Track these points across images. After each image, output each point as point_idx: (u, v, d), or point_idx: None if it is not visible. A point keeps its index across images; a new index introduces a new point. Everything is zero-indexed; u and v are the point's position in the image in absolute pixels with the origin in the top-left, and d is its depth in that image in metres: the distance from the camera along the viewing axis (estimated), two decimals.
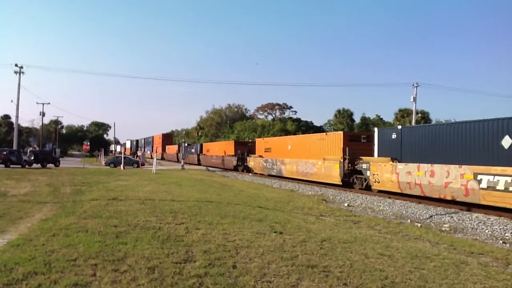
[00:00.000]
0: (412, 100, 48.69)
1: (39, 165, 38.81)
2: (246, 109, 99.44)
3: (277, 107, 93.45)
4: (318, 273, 5.82)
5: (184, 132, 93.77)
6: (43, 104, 65.75)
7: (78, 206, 12.13)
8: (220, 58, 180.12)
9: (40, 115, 66.43)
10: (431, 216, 14.69)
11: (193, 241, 7.47)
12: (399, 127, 20.58)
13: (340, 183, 23.30)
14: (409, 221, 13.72)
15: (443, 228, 12.51)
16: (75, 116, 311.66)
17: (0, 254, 6.37)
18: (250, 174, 37.97)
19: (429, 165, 16.89)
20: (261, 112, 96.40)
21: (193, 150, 62.16)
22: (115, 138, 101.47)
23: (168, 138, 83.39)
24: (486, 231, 12.17)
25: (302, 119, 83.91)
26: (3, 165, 35.26)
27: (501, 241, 10.81)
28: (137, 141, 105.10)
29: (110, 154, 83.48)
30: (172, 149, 72.94)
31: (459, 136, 15.89)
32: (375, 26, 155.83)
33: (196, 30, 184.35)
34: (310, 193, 22.46)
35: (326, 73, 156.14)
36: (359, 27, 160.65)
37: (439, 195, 16.39)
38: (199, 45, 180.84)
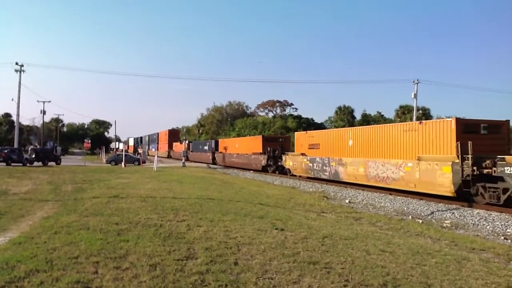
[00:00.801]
0: (412, 96, 48.67)
1: (40, 163, 38.84)
2: (247, 107, 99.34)
3: (277, 104, 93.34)
4: (319, 269, 5.82)
5: (184, 130, 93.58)
6: (43, 102, 65.64)
7: (79, 204, 12.14)
8: (220, 56, 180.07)
9: (41, 113, 66.38)
10: (432, 213, 14.68)
11: (194, 238, 7.48)
12: None
13: (453, 195, 16.01)
14: (410, 217, 13.73)
15: (445, 225, 12.52)
16: (76, 114, 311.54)
17: (2, 252, 6.38)
18: (287, 176, 30.90)
19: None
20: (261, 109, 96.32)
21: (205, 148, 55.49)
22: (116, 135, 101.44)
23: (174, 135, 76.72)
24: (488, 227, 12.17)
25: (303, 116, 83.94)
26: (4, 164, 35.24)
27: (502, 237, 10.81)
28: (141, 138, 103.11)
29: (111, 152, 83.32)
30: (180, 146, 66.73)
31: None
32: (376, 23, 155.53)
33: (196, 28, 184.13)
34: (311, 190, 22.46)
35: (326, 70, 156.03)
36: (359, 24, 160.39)
37: None
38: (199, 43, 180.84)
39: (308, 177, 28.23)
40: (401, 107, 63.06)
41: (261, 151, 36.49)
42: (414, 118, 47.76)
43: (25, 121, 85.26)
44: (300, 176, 29.25)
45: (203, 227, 8.59)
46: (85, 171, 29.61)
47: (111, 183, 19.61)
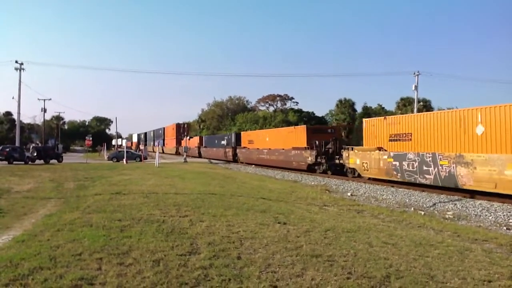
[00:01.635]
0: (413, 88, 48.49)
1: (42, 161, 38.92)
2: (247, 101, 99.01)
3: (278, 98, 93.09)
4: (322, 262, 5.83)
5: (185, 125, 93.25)
6: (44, 100, 65.66)
7: (82, 201, 12.17)
8: (220, 51, 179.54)
9: (41, 111, 66.53)
10: (434, 204, 14.69)
11: (197, 233, 7.49)
12: None
13: None
14: (412, 209, 13.73)
15: (447, 216, 12.52)
16: (77, 111, 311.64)
17: (5, 250, 6.42)
18: (348, 178, 23.36)
19: None
20: (262, 104, 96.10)
21: (223, 142, 47.45)
22: (117, 132, 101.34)
23: (183, 130, 65.91)
24: (490, 217, 12.16)
25: (304, 110, 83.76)
26: (6, 162, 35.32)
27: (505, 228, 10.80)
28: (145, 134, 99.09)
29: (113, 148, 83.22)
30: (191, 142, 59.80)
31: None
32: (375, 15, 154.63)
33: (195, 23, 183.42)
34: (313, 183, 22.47)
35: (326, 63, 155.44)
36: (359, 16, 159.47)
37: None
38: (199, 38, 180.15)
39: (390, 181, 20.11)
40: (402, 99, 62.85)
41: (305, 145, 28.33)
42: (415, 110, 47.61)
43: (26, 119, 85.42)
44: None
45: (205, 222, 8.61)
46: (87, 169, 29.67)
47: (113, 180, 19.64)
